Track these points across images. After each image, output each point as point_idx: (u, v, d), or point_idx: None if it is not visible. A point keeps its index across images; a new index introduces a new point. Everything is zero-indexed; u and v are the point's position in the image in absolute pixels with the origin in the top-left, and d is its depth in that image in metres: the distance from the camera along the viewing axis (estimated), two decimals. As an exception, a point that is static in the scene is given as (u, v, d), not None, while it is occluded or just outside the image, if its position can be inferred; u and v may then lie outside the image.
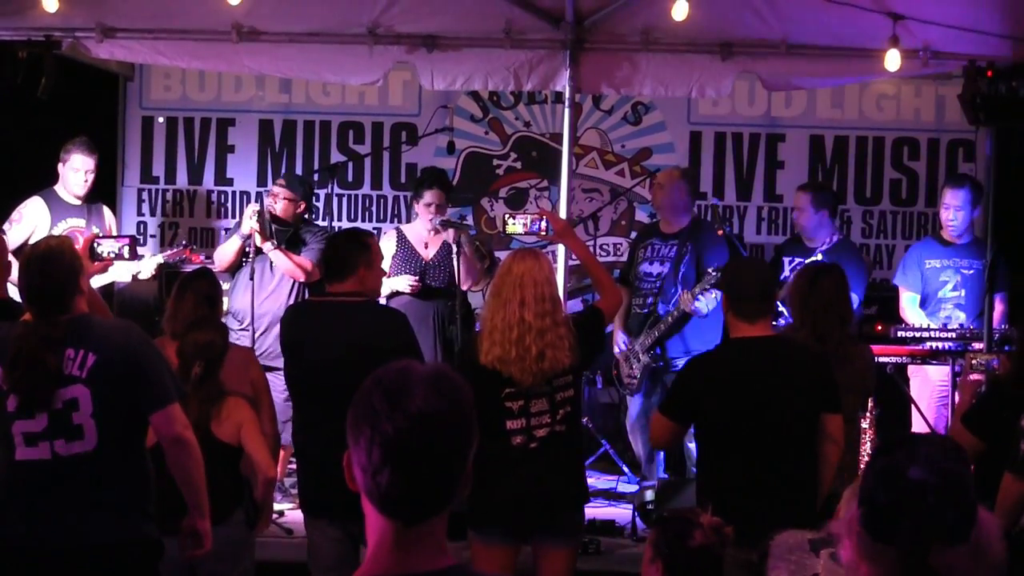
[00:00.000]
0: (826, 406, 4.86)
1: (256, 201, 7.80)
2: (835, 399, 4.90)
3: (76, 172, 7.69)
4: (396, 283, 7.46)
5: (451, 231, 7.54)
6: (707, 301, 7.16)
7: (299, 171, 9.55)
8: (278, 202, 7.61)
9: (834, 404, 4.89)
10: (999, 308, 7.49)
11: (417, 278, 7.55)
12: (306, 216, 7.88)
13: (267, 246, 7.42)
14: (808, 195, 7.77)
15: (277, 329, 7.45)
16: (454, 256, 7.50)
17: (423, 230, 7.70)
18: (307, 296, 7.63)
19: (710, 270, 7.15)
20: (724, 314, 5.04)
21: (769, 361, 4.86)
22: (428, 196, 7.64)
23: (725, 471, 4.84)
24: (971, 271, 7.67)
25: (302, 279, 7.61)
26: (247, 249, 7.47)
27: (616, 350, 7.77)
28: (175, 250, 7.92)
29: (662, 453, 7.55)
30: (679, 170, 8.03)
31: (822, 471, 4.87)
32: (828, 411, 4.86)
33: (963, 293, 7.69)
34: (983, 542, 2.23)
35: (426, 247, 7.71)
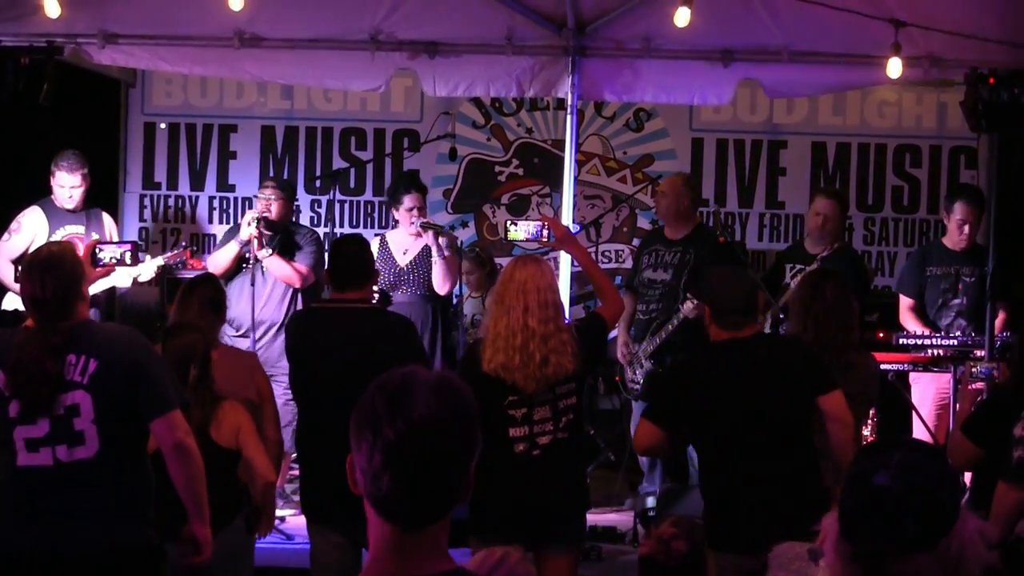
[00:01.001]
0: (818, 389, 4.80)
1: (254, 207, 7.80)
2: (825, 379, 4.83)
3: (61, 188, 7.70)
4: None
5: (430, 233, 7.52)
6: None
7: (301, 178, 9.60)
8: (272, 204, 7.62)
9: (825, 384, 4.82)
10: (1001, 316, 7.49)
11: (378, 292, 7.50)
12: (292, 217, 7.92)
13: (263, 253, 7.43)
14: (834, 202, 7.70)
15: (273, 335, 7.52)
16: (433, 260, 7.49)
17: (405, 236, 7.68)
18: (300, 301, 7.65)
19: None
20: (707, 325, 5.02)
21: (751, 357, 4.83)
22: (408, 200, 7.62)
23: (723, 475, 4.81)
24: (973, 279, 7.64)
25: (298, 285, 7.63)
26: (246, 255, 7.47)
27: (619, 355, 7.78)
28: (175, 252, 7.92)
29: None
30: (681, 177, 8.03)
31: (836, 452, 4.77)
32: (821, 392, 4.80)
33: (965, 300, 7.67)
34: (954, 552, 2.21)
35: (404, 253, 7.68)
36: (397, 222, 7.84)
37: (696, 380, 4.89)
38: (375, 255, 7.54)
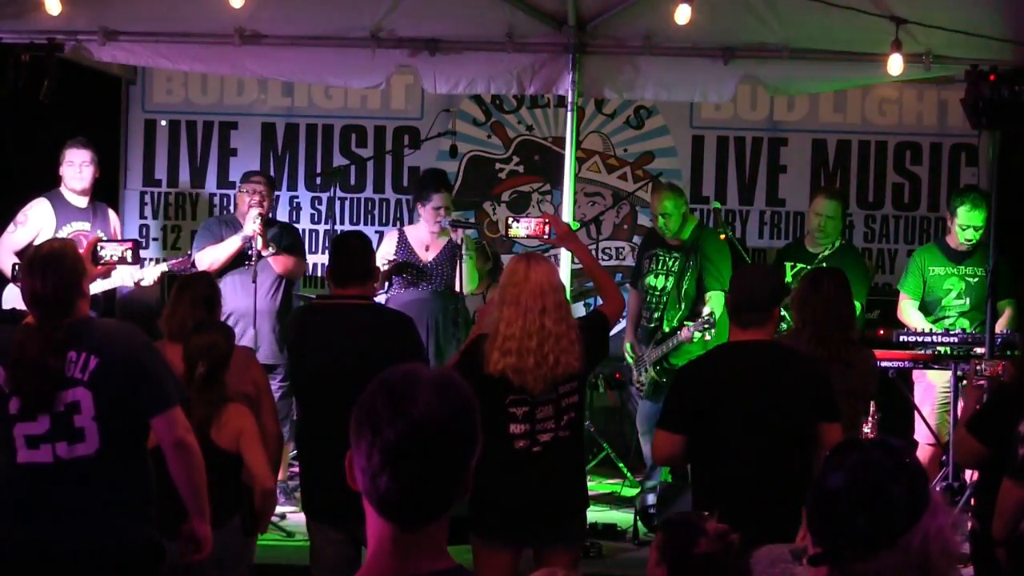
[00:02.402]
0: (823, 415, 4.72)
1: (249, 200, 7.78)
2: (833, 408, 4.75)
3: (71, 165, 7.67)
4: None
5: (459, 231, 7.49)
6: (705, 334, 7.13)
7: (301, 175, 9.60)
8: (261, 198, 7.63)
9: (831, 413, 4.74)
10: (1007, 312, 7.48)
11: (394, 256, 7.46)
12: None
13: (269, 251, 7.45)
14: (834, 202, 7.67)
15: (267, 329, 7.52)
16: (458, 258, 7.47)
17: (425, 233, 7.66)
18: (281, 293, 7.70)
19: (704, 313, 7.13)
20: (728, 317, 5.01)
21: (760, 365, 4.75)
22: (437, 199, 7.56)
23: (718, 479, 4.76)
24: (976, 279, 7.62)
25: (300, 275, 7.75)
26: (249, 253, 7.46)
27: (626, 356, 7.78)
28: (179, 260, 7.91)
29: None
30: (670, 191, 7.69)
31: None
32: (825, 420, 4.71)
33: (967, 301, 7.64)
34: (917, 547, 2.20)
35: (426, 249, 7.67)
36: (417, 218, 7.83)
37: (700, 380, 4.87)
38: (392, 250, 7.55)
